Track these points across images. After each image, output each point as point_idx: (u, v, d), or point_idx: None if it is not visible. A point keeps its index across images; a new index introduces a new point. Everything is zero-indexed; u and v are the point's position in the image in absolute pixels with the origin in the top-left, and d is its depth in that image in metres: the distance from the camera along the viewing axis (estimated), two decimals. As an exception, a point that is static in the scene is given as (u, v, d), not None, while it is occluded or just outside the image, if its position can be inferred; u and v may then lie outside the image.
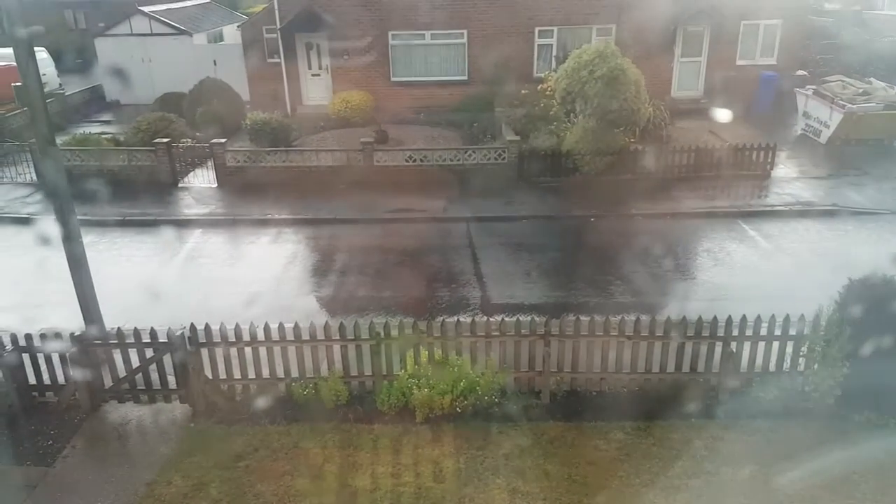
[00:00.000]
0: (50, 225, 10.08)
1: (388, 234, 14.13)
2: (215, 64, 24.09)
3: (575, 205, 15.06)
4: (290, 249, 13.53)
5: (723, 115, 19.56)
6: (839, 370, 7.81)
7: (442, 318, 9.94)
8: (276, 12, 21.41)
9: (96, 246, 13.12)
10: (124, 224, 14.74)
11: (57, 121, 19.51)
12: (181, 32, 25.11)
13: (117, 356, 8.57)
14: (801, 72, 21.73)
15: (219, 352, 8.46)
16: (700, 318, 8.43)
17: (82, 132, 19.35)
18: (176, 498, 7.13)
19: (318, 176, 16.22)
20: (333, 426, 8.08)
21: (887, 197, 15.03)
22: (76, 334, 8.37)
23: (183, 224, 14.75)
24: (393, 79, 22.03)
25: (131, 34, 25.24)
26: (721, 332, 8.32)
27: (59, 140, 12.24)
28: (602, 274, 12.05)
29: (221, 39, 27.69)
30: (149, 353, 8.45)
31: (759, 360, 8.42)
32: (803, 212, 14.49)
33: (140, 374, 8.53)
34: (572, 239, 13.86)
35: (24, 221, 14.86)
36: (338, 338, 8.50)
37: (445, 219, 14.65)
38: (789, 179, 16.23)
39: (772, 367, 8.43)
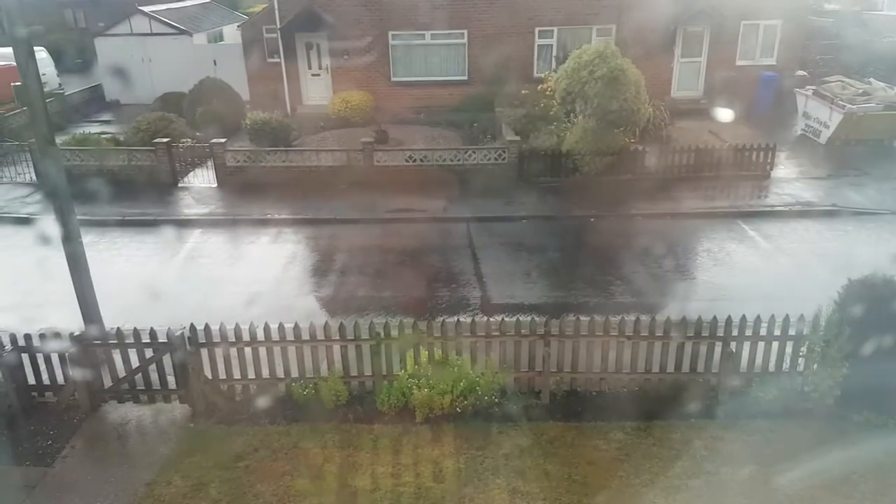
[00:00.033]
0: (49, 225, 10.09)
1: (388, 234, 14.13)
2: (215, 64, 24.09)
3: (575, 205, 15.06)
4: (290, 249, 13.53)
5: (723, 115, 19.58)
6: (838, 370, 7.81)
7: (442, 318, 9.94)
8: (276, 12, 21.41)
9: (96, 246, 13.12)
10: (124, 224, 14.73)
11: (56, 120, 19.51)
12: (181, 32, 25.11)
13: (117, 356, 8.57)
14: (800, 72, 21.76)
15: (218, 352, 8.45)
16: (700, 318, 8.43)
17: (82, 132, 19.35)
18: (175, 498, 7.12)
19: (318, 176, 16.22)
20: (333, 426, 8.07)
21: (887, 197, 15.04)
22: (75, 334, 8.37)
23: (183, 224, 14.74)
24: (393, 79, 22.04)
25: (131, 34, 25.25)
26: (721, 333, 8.32)
27: (58, 140, 12.26)
28: (602, 274, 12.05)
29: (221, 39, 27.69)
30: (148, 353, 8.45)
31: (759, 361, 8.42)
32: (803, 212, 14.49)
33: (140, 375, 8.53)
34: (572, 239, 13.86)
35: (24, 221, 14.86)
36: (338, 338, 8.50)
37: (445, 219, 14.65)
38: (789, 180, 16.23)
39: (771, 367, 8.43)
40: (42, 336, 8.42)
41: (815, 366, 8.06)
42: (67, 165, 14.57)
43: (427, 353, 8.53)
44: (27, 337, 8.42)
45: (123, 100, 25.66)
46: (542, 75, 19.27)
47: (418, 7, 20.91)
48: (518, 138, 16.68)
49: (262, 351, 8.48)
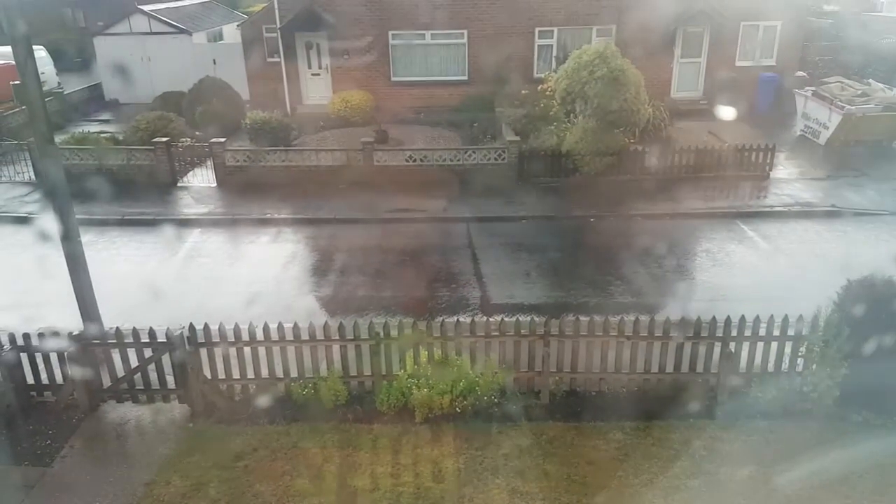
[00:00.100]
0: (48, 224, 10.07)
1: (387, 233, 14.13)
2: (215, 63, 24.08)
3: (575, 205, 15.06)
4: (290, 249, 13.52)
5: (722, 115, 19.57)
6: (838, 371, 7.81)
7: (442, 318, 9.94)
8: (276, 11, 21.40)
9: (95, 245, 13.10)
10: (123, 223, 14.72)
11: (56, 119, 19.49)
12: (181, 31, 25.10)
13: (116, 356, 8.55)
14: (800, 73, 21.75)
15: (218, 352, 8.45)
16: (699, 318, 8.44)
17: (81, 131, 19.31)
18: (175, 498, 7.12)
19: (317, 175, 16.21)
20: (333, 426, 8.07)
21: (886, 198, 15.05)
22: (74, 334, 8.36)
23: (182, 223, 14.73)
24: (393, 78, 22.03)
25: (131, 33, 25.24)
26: (720, 333, 8.32)
27: (57, 139, 12.26)
28: (601, 274, 12.05)
29: (221, 38, 27.68)
30: (147, 352, 8.44)
31: (758, 361, 8.42)
32: (802, 212, 14.50)
33: (139, 374, 8.52)
34: (572, 239, 13.86)
35: (23, 220, 14.84)
36: (337, 338, 8.49)
37: (445, 219, 14.64)
38: (788, 180, 16.25)
39: (770, 367, 8.44)
40: (41, 335, 8.41)
41: (815, 366, 8.06)
42: (66, 164, 14.53)
43: (427, 353, 8.53)
44: (26, 336, 8.41)
45: (123, 99, 25.64)
46: (543, 75, 19.26)
47: (418, 7, 20.91)
48: (518, 138, 16.67)
49: (262, 351, 8.48)
